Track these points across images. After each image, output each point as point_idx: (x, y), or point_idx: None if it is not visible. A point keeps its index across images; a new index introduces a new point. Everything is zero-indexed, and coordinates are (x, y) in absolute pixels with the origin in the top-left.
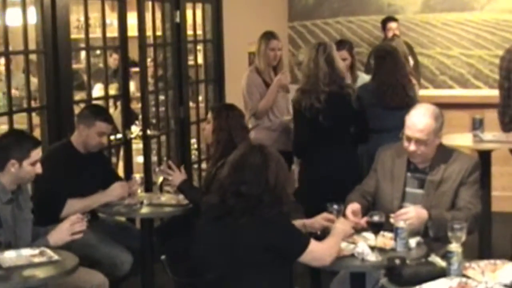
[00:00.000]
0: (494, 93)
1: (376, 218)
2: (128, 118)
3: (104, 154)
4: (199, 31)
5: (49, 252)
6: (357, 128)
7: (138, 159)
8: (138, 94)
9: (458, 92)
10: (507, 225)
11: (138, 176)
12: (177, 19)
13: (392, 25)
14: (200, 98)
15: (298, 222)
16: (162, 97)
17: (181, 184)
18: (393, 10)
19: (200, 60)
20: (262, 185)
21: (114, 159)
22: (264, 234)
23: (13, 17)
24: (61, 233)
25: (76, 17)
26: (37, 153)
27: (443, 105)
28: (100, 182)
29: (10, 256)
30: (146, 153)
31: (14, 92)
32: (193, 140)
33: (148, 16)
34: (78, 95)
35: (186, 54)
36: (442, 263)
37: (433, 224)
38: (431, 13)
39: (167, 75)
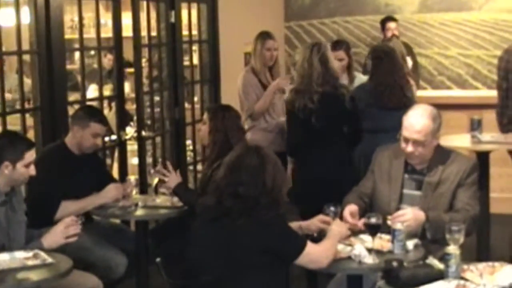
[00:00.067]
0: (493, 93)
1: (373, 220)
2: (123, 119)
3: (98, 155)
4: (195, 31)
5: (42, 254)
6: (351, 128)
7: (133, 160)
8: (133, 95)
9: (456, 93)
10: (505, 227)
11: (133, 178)
12: (172, 19)
13: (391, 25)
14: (196, 99)
15: (294, 224)
16: (157, 98)
17: (176, 187)
18: (390, 10)
19: (195, 60)
20: (260, 187)
21: (108, 161)
22: (261, 236)
23: (6, 17)
24: (55, 236)
25: (70, 17)
26: (31, 155)
27: (441, 106)
28: (94, 184)
29: (4, 259)
30: (141, 154)
31: (7, 94)
32: (189, 142)
33: (143, 16)
34: (72, 96)
35: (181, 55)
36: (440, 265)
37: (430, 226)
38: (429, 13)
39: (162, 75)
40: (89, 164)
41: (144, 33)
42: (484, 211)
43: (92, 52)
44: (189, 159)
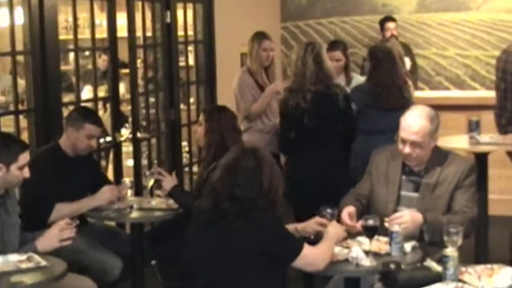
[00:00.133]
0: (491, 94)
1: (370, 222)
2: (118, 120)
3: (93, 157)
4: (190, 32)
5: (36, 257)
6: (344, 128)
7: (128, 162)
8: (128, 96)
9: (454, 94)
10: (504, 228)
11: (128, 180)
12: (168, 20)
13: (390, 25)
14: (192, 100)
15: (290, 227)
16: (152, 99)
17: (172, 189)
18: (388, 10)
19: (191, 61)
20: (256, 189)
21: (103, 163)
22: (258, 239)
23: None
24: (49, 239)
25: (64, 17)
26: (25, 157)
27: (439, 107)
28: (89, 186)
29: None
30: (136, 156)
31: (0, 95)
32: (184, 143)
33: (138, 17)
34: (67, 97)
35: (177, 55)
36: (437, 267)
37: (428, 228)
38: (427, 13)
39: (157, 76)
40: (84, 166)
41: (139, 33)
42: (483, 213)
43: (87, 53)
44: (184, 160)
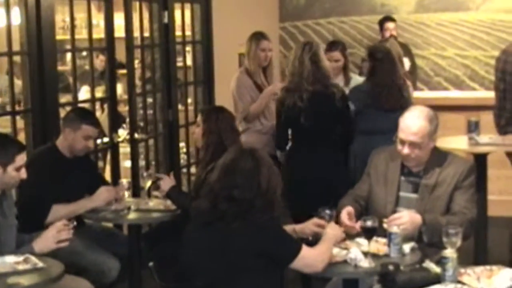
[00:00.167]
0: (490, 94)
1: (369, 223)
2: (115, 121)
3: (90, 158)
4: (188, 32)
5: (33, 259)
6: (342, 128)
7: (126, 163)
8: (126, 97)
9: (453, 94)
10: (503, 229)
11: (125, 180)
12: (165, 20)
13: (390, 25)
14: (189, 100)
15: (288, 227)
16: (150, 100)
17: (170, 190)
18: (386, 10)
19: (189, 61)
20: (254, 190)
21: (100, 164)
22: (256, 239)
23: None
24: (46, 241)
25: (61, 17)
26: (22, 158)
27: (438, 107)
28: (86, 187)
29: None
30: (134, 157)
31: None
32: (182, 144)
33: (136, 17)
34: (64, 98)
35: (174, 56)
36: (436, 269)
37: (427, 229)
38: (425, 13)
39: (155, 77)
40: (81, 167)
41: (136, 33)
42: (482, 214)
43: (84, 53)
44: (182, 161)
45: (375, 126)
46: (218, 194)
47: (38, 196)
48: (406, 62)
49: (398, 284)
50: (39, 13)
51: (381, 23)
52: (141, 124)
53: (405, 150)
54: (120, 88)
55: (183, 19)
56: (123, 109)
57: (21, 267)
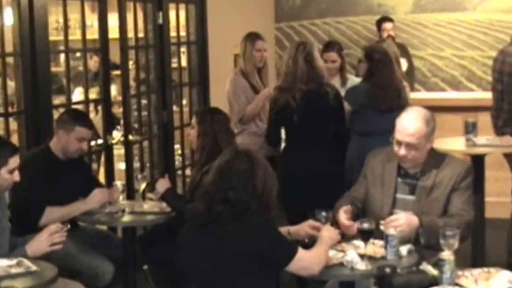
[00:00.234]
0: (487, 95)
1: (365, 225)
2: (109, 123)
3: (84, 160)
4: (183, 33)
5: (26, 262)
6: (336, 128)
7: (120, 165)
8: (120, 98)
9: (450, 95)
10: (501, 231)
11: (119, 183)
12: (160, 20)
13: (387, 25)
14: (184, 102)
15: (283, 229)
16: (144, 101)
17: (165, 192)
18: (383, 11)
19: (184, 62)
20: (250, 191)
21: (94, 166)
22: (252, 242)
23: None
24: (39, 244)
25: (54, 18)
26: (15, 161)
27: (435, 108)
28: (80, 189)
29: None
30: (128, 159)
31: None
32: (177, 146)
33: (130, 17)
34: (57, 99)
35: (169, 57)
36: (434, 271)
37: (424, 231)
38: (422, 13)
39: (149, 78)
40: (75, 169)
41: (131, 34)
42: (479, 216)
43: (78, 54)
44: (177, 163)
45: (371, 128)
46: (213, 196)
47: (32, 198)
48: (404, 63)
49: (395, 286)
50: (32, 13)
51: (379, 23)
52: (136, 125)
53: (402, 151)
54: (114, 90)
55: (177, 19)
56: (117, 110)
57: (14, 270)
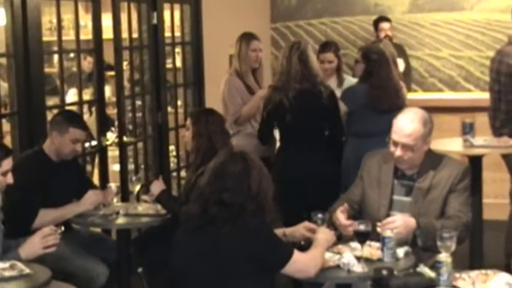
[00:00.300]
0: (485, 96)
1: (362, 227)
2: (104, 124)
3: (78, 162)
4: (178, 33)
5: (20, 265)
6: (330, 127)
7: (114, 167)
8: (114, 99)
9: (447, 95)
10: (499, 233)
11: (114, 185)
12: (154, 21)
13: (385, 25)
14: (179, 102)
15: (279, 231)
16: (139, 102)
17: (160, 194)
18: (380, 10)
19: (178, 63)
20: (245, 193)
21: (89, 167)
22: (247, 243)
23: None
24: (33, 247)
25: (48, 18)
26: (8, 163)
27: (432, 109)
28: (74, 191)
29: None
30: (123, 160)
31: None
32: (172, 147)
33: (124, 18)
34: (51, 101)
35: (164, 57)
36: (431, 273)
37: (421, 233)
38: (419, 13)
39: (144, 79)
40: (69, 171)
41: (125, 35)
42: (477, 217)
43: (71, 55)
44: (172, 165)
45: (368, 129)
46: (208, 198)
47: (25, 200)
48: (401, 63)
49: None
50: (25, 14)
51: (376, 23)
52: (130, 127)
53: (398, 152)
54: (108, 91)
55: (172, 19)
56: (112, 111)
57: (7, 273)
